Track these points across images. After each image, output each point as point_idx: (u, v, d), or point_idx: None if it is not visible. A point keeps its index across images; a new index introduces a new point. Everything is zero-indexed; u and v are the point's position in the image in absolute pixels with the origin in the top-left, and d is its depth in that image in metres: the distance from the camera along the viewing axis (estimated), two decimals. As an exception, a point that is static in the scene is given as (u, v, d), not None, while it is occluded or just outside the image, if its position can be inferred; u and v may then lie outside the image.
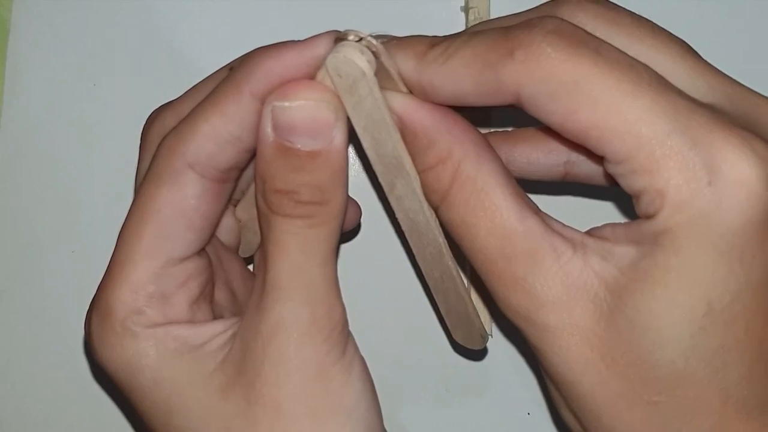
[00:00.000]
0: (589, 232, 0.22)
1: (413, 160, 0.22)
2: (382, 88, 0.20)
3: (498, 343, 0.33)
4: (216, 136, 0.22)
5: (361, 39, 0.20)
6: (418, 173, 0.22)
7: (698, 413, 0.20)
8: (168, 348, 0.22)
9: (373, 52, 0.20)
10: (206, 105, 0.22)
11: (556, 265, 0.21)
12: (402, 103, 0.21)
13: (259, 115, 0.21)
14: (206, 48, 0.32)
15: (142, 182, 0.23)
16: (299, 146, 0.21)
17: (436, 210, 0.22)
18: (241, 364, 0.22)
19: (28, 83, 0.33)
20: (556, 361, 0.21)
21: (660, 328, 0.20)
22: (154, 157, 0.23)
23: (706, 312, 0.19)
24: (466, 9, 0.32)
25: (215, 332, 0.23)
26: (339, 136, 0.21)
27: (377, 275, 0.33)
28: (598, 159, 0.20)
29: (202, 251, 0.24)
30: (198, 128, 0.22)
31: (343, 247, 0.32)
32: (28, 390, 0.33)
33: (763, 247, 0.19)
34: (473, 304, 0.25)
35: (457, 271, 0.23)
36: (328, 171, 0.21)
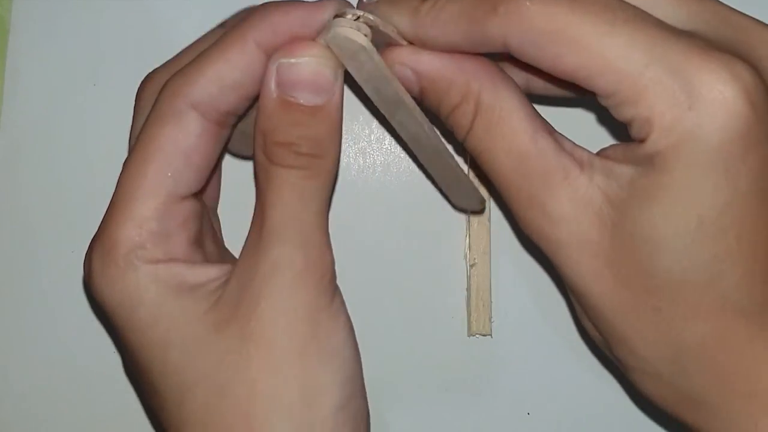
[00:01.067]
0: (599, 152, 0.23)
1: (438, 106, 0.24)
2: (384, 44, 0.23)
3: (498, 344, 0.33)
4: (219, 80, 0.23)
5: (358, 17, 0.22)
6: (446, 116, 0.24)
7: (698, 318, 0.22)
8: (168, 284, 0.23)
9: (371, 27, 0.22)
10: (212, 51, 0.24)
11: (565, 182, 0.23)
12: (413, 56, 0.24)
13: (262, 65, 0.23)
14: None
15: (145, 124, 0.24)
16: (302, 101, 0.23)
17: (462, 142, 0.24)
18: (237, 303, 0.23)
19: (28, 83, 0.33)
20: (569, 274, 0.23)
21: (657, 240, 0.22)
22: (158, 100, 0.24)
23: (697, 225, 0.21)
24: None
25: (211, 274, 0.24)
26: (337, 93, 0.23)
27: (377, 276, 0.33)
28: (563, 83, 0.23)
29: (197, 195, 0.25)
30: (203, 72, 0.23)
31: (344, 247, 0.32)
32: (27, 390, 0.32)
33: (747, 160, 0.21)
34: (470, 179, 0.28)
35: (455, 162, 0.26)
36: (326, 126, 0.23)
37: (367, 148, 0.33)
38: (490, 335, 0.32)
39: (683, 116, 0.20)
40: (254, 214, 0.25)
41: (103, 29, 0.33)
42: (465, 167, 0.32)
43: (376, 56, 0.22)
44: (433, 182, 0.32)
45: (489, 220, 0.32)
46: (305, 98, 0.23)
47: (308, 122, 0.23)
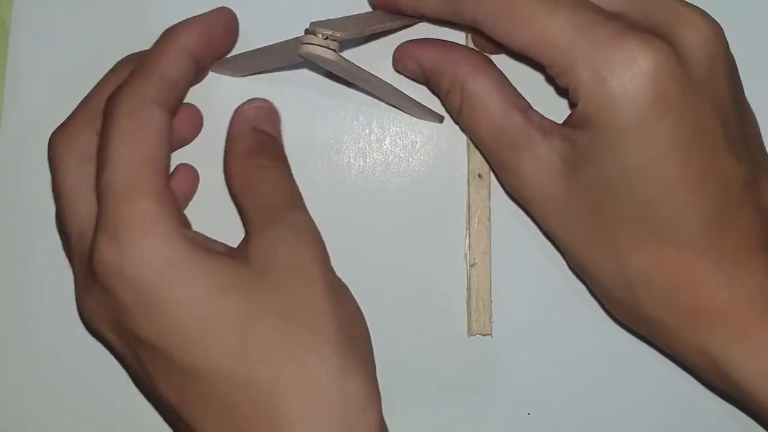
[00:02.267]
0: (563, 122, 0.28)
1: (437, 91, 0.31)
2: (361, 37, 0.29)
3: (498, 344, 0.33)
4: (166, 79, 0.28)
5: (327, 37, 0.26)
6: (442, 100, 0.31)
7: (639, 250, 0.27)
8: (192, 248, 0.26)
9: (339, 42, 0.26)
10: (151, 58, 0.28)
11: (530, 150, 0.28)
12: (416, 52, 0.30)
13: (192, 63, 0.28)
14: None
15: (113, 126, 0.26)
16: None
17: (457, 122, 0.31)
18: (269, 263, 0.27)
19: (28, 83, 0.33)
20: (544, 225, 0.30)
21: (598, 189, 0.27)
22: (115, 106, 0.27)
23: (625, 176, 0.26)
24: None
25: (216, 244, 0.28)
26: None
27: (377, 276, 0.33)
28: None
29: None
30: (150, 76, 0.27)
31: (344, 247, 0.32)
32: (28, 391, 0.32)
33: (662, 122, 0.25)
34: (429, 110, 0.32)
35: (415, 101, 0.31)
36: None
37: (367, 148, 0.33)
38: (490, 335, 0.32)
39: (600, 86, 0.25)
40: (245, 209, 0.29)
41: (103, 29, 0.33)
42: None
43: (345, 63, 0.27)
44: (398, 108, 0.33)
45: (489, 220, 0.32)
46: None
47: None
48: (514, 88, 0.29)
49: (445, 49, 0.30)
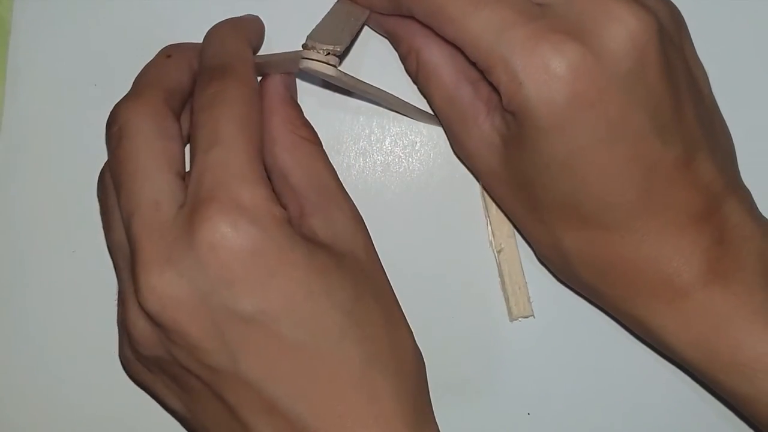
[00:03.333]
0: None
1: (398, 49, 0.31)
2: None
3: (498, 344, 0.33)
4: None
5: (329, 53, 0.27)
6: (402, 63, 0.31)
7: (570, 230, 0.28)
8: (293, 232, 0.27)
9: (338, 56, 0.27)
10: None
11: (475, 125, 0.29)
12: (381, 19, 0.31)
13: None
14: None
15: (233, 116, 0.27)
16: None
17: (415, 82, 0.31)
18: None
19: (29, 83, 0.33)
20: (492, 197, 0.32)
21: (529, 174, 0.28)
22: (234, 99, 0.27)
23: (549, 167, 0.27)
24: None
25: None
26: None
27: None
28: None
29: None
30: (252, 67, 0.29)
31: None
32: (28, 391, 0.33)
33: (580, 120, 0.26)
34: (429, 114, 0.32)
35: (414, 107, 0.32)
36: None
37: (367, 149, 0.33)
38: (533, 316, 0.32)
39: (518, 90, 0.26)
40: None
41: (103, 29, 0.33)
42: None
43: (344, 76, 0.28)
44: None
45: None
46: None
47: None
48: (467, 58, 0.28)
49: (400, 19, 0.30)
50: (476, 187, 0.33)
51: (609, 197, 0.27)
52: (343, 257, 0.27)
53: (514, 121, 0.27)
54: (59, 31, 0.33)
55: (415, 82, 0.31)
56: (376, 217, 0.32)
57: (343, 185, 0.29)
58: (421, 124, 0.33)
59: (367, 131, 0.33)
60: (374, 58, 0.32)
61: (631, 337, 0.32)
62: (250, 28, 0.31)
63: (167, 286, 0.25)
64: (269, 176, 0.29)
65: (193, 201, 0.26)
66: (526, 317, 0.32)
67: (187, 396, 0.28)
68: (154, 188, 0.27)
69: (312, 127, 0.30)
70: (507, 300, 0.32)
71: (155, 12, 0.33)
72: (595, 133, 0.26)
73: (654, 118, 0.26)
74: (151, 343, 0.27)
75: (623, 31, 0.26)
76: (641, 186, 0.27)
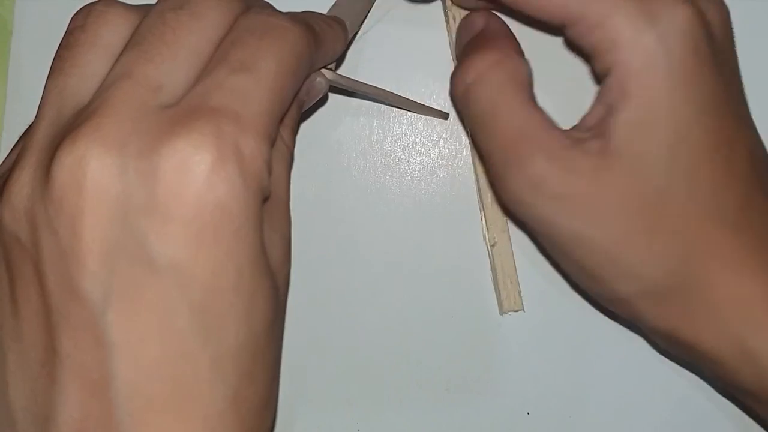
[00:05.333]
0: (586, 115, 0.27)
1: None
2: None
3: (498, 343, 0.33)
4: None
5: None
6: (459, 60, 0.29)
7: (686, 231, 0.25)
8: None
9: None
10: None
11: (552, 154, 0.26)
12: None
13: None
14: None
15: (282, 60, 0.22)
16: None
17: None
18: None
19: (31, 84, 0.33)
20: (565, 225, 0.26)
21: (642, 166, 0.25)
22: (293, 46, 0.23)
23: (674, 140, 0.24)
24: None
25: None
26: None
27: (377, 276, 0.33)
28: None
29: None
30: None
31: (344, 249, 0.32)
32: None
33: (702, 74, 0.24)
34: (432, 108, 0.32)
35: (417, 103, 0.32)
36: None
37: (368, 149, 0.33)
38: (523, 310, 0.32)
39: (646, 31, 0.24)
40: None
41: (105, 30, 0.33)
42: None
43: (341, 79, 0.27)
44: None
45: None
46: None
47: None
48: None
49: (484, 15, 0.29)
50: (474, 183, 0.33)
51: (727, 180, 0.25)
52: (271, 276, 0.23)
53: (623, 104, 0.25)
54: (61, 32, 0.33)
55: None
56: (376, 217, 0.32)
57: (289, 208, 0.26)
58: (421, 124, 0.33)
59: (367, 132, 0.33)
60: (373, 51, 0.32)
61: (632, 337, 0.32)
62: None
63: (99, 169, 0.19)
64: None
65: (190, 107, 0.20)
66: (516, 311, 0.32)
67: (7, 307, 0.21)
68: (173, 71, 0.21)
69: (294, 138, 0.27)
70: (498, 294, 0.32)
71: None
72: (713, 94, 0.25)
73: (734, 101, 0.26)
74: (22, 215, 0.20)
75: (718, 10, 0.26)
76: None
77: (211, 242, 0.20)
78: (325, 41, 0.25)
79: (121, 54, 0.22)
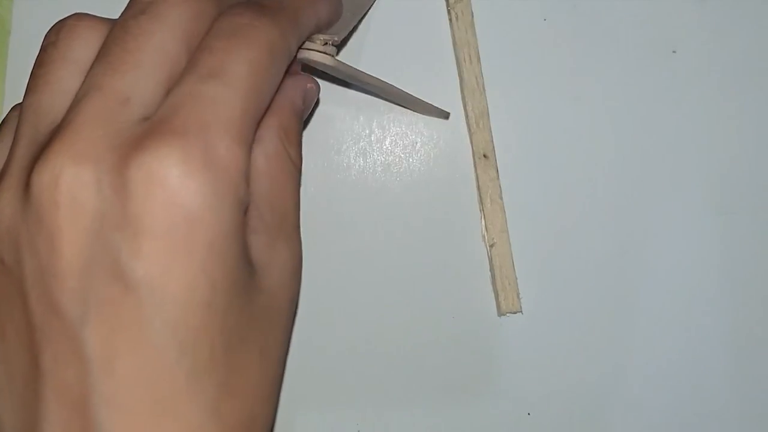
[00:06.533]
0: None
1: None
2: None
3: (498, 343, 0.33)
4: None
5: (327, 42, 0.26)
6: None
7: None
8: (241, 221, 0.23)
9: (336, 45, 0.26)
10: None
11: None
12: None
13: None
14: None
15: (251, 60, 0.22)
16: None
17: None
18: None
19: (28, 84, 0.33)
20: None
21: None
22: (259, 41, 0.22)
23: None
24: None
25: None
26: None
27: (376, 277, 0.33)
28: None
29: None
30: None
31: (344, 249, 0.32)
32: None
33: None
34: (432, 106, 0.32)
35: (416, 98, 0.31)
36: None
37: (368, 149, 0.33)
38: (521, 312, 0.32)
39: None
40: None
41: (103, 30, 0.33)
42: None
43: (342, 66, 0.27)
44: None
45: (501, 198, 0.32)
46: None
47: None
48: None
49: None
50: (473, 184, 0.33)
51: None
52: (267, 293, 0.22)
53: None
54: (59, 31, 0.33)
55: None
56: (376, 216, 0.32)
57: (300, 220, 0.25)
58: (421, 123, 0.33)
59: (367, 131, 0.33)
60: (374, 48, 0.32)
61: (633, 337, 0.32)
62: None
63: (75, 186, 0.19)
64: None
65: (159, 120, 0.20)
66: (514, 313, 0.32)
67: None
68: (139, 80, 0.21)
69: (301, 154, 0.26)
70: (496, 295, 0.32)
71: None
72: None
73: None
74: (5, 235, 0.20)
75: None
76: None
77: (183, 257, 0.19)
78: (304, 14, 0.24)
79: (91, 67, 0.22)
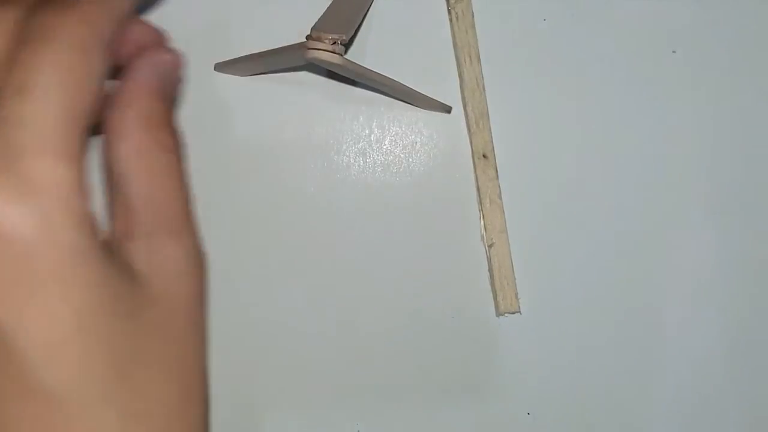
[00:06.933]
0: None
1: None
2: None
3: (498, 343, 0.33)
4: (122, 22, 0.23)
5: (335, 42, 0.26)
6: None
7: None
8: (95, 243, 0.20)
9: (344, 44, 0.27)
10: None
11: None
12: None
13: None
14: (206, 48, 0.32)
15: (55, 62, 0.20)
16: None
17: None
18: None
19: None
20: None
21: None
22: (63, 39, 0.20)
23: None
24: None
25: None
26: None
27: (376, 277, 0.33)
28: None
29: None
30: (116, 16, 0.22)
31: (344, 248, 0.32)
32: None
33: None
34: (435, 101, 0.32)
35: (419, 93, 0.31)
36: None
37: (368, 149, 0.33)
38: (519, 312, 0.32)
39: None
40: None
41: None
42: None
43: (350, 64, 0.27)
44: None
45: (500, 198, 0.32)
46: None
47: None
48: None
49: None
50: (473, 184, 0.33)
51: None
52: (156, 301, 0.21)
53: None
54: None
55: None
56: (375, 216, 0.32)
57: (194, 214, 0.23)
58: (421, 123, 0.33)
59: (367, 131, 0.33)
60: (375, 50, 0.32)
61: (633, 337, 0.32)
62: None
63: None
64: (108, 180, 0.23)
65: None
66: (513, 313, 0.32)
67: None
68: None
69: (178, 134, 0.23)
70: (495, 295, 0.32)
71: (155, 12, 0.33)
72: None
73: None
74: None
75: None
76: None
77: (26, 294, 0.18)
78: None
79: None
